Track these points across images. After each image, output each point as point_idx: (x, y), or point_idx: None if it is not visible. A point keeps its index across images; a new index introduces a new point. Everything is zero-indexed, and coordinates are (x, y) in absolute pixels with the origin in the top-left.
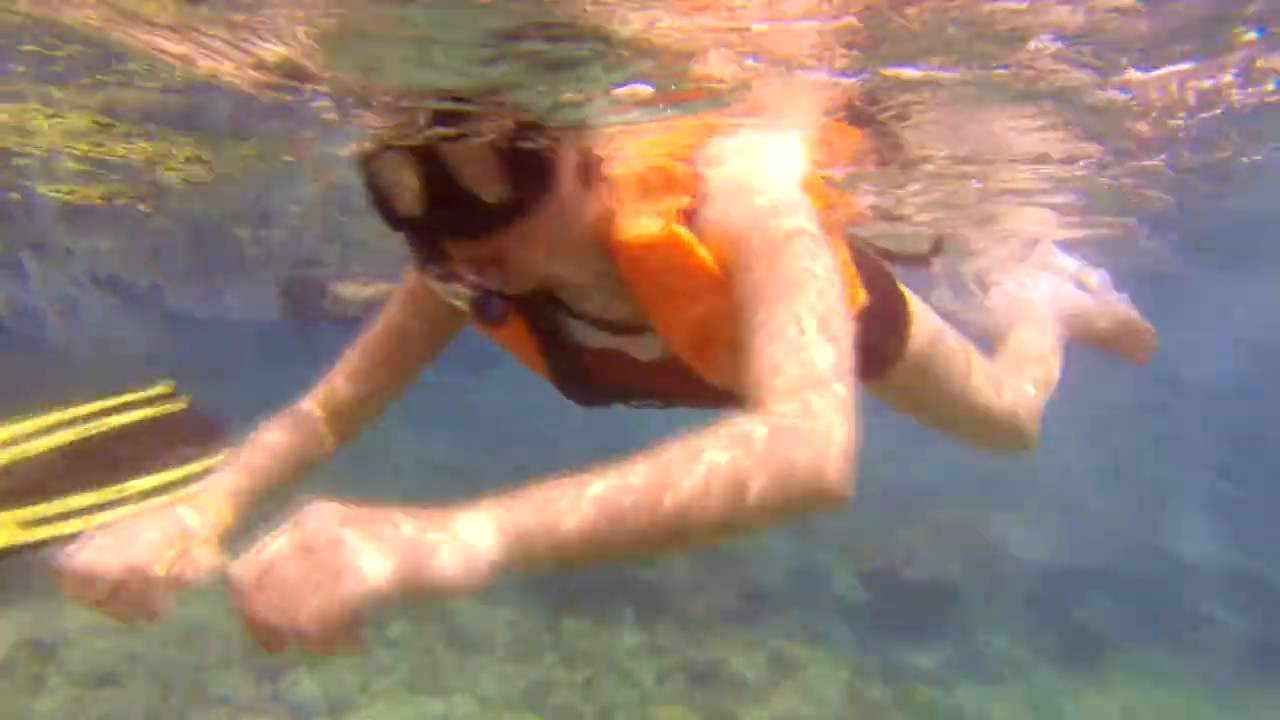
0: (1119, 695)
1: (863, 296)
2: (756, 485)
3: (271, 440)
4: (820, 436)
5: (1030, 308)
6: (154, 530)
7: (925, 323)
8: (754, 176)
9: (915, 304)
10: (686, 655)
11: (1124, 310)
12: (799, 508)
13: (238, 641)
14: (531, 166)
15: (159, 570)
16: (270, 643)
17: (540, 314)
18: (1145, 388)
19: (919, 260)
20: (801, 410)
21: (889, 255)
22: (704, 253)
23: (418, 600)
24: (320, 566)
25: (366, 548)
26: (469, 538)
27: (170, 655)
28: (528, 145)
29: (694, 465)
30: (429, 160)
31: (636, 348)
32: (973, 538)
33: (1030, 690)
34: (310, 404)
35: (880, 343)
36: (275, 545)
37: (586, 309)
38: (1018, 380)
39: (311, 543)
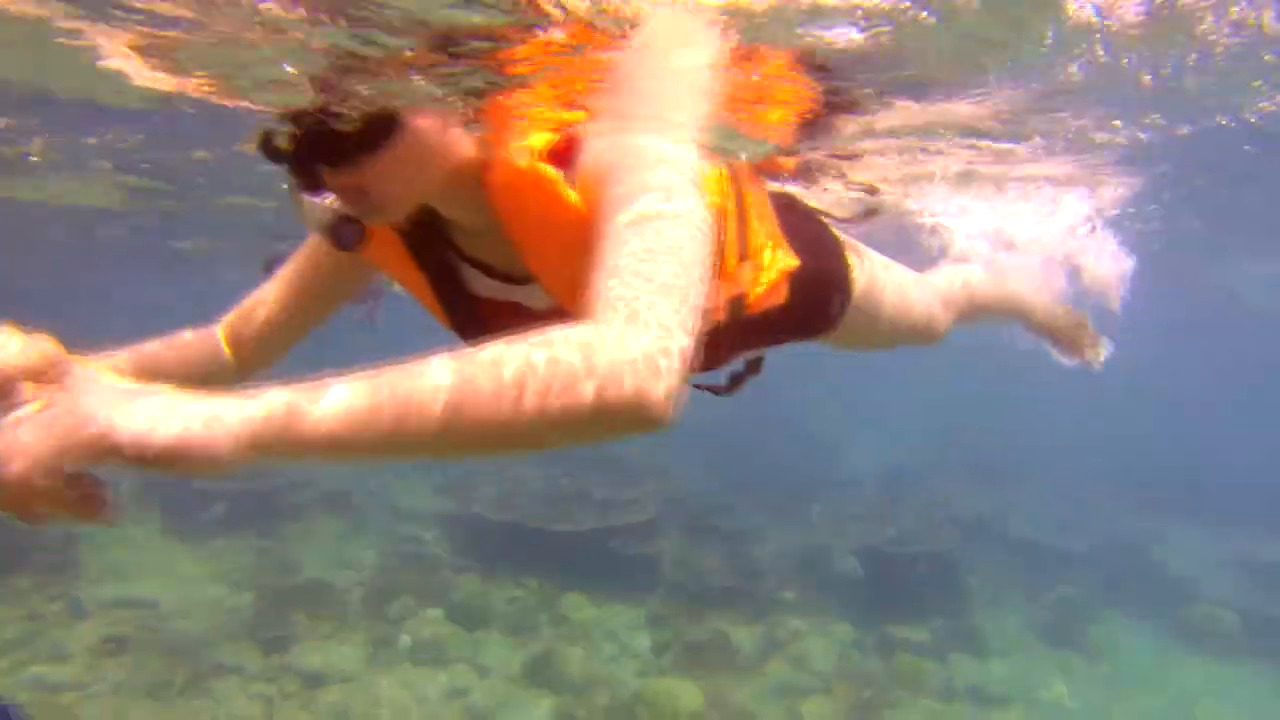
0: (1105, 665)
1: (788, 261)
2: (561, 391)
3: (168, 341)
4: (645, 356)
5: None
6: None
7: (867, 275)
8: (633, 134)
9: (855, 260)
10: (683, 628)
11: (1074, 313)
12: (608, 422)
13: (246, 616)
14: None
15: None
16: (7, 500)
17: (436, 258)
18: (1146, 374)
19: (855, 220)
20: (627, 327)
21: (831, 216)
22: (569, 193)
23: (152, 463)
24: (52, 416)
25: (103, 402)
26: (219, 408)
27: (179, 627)
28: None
29: (494, 361)
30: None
31: (529, 297)
32: (967, 517)
33: (1020, 661)
34: (217, 325)
35: (821, 303)
36: (25, 405)
37: (479, 255)
38: (945, 296)
39: (54, 398)
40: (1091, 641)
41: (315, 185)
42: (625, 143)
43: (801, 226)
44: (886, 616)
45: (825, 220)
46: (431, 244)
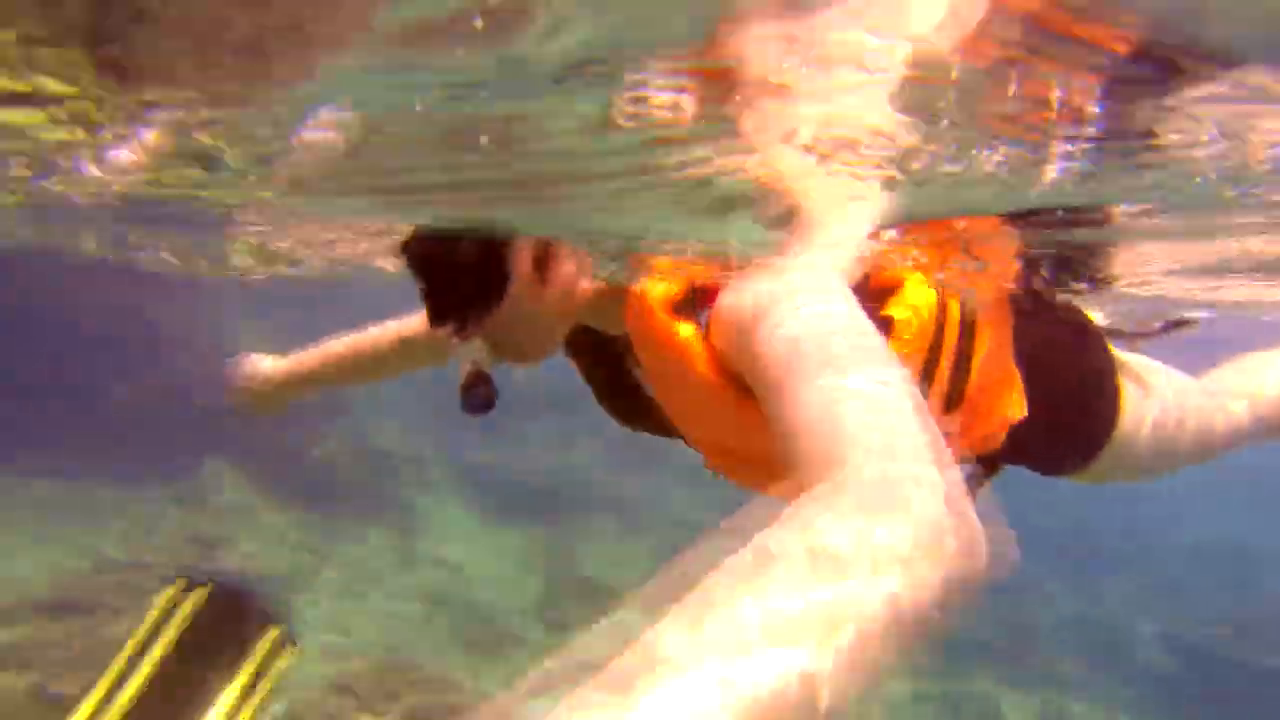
0: None
1: (1013, 412)
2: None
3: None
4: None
5: None
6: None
7: (1142, 426)
8: (785, 263)
9: (1132, 408)
10: (945, 682)
11: None
12: (955, 591)
13: (534, 595)
14: (480, 269)
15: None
16: None
17: (607, 360)
18: None
19: (1149, 334)
20: (885, 479)
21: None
22: (702, 357)
23: None
24: None
25: None
26: None
27: (482, 591)
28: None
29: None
30: (426, 263)
31: None
32: None
33: None
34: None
35: (1046, 455)
36: None
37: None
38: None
39: None
40: None
41: (464, 331)
42: (766, 280)
43: (1058, 365)
44: None
45: (1111, 348)
46: (603, 348)
